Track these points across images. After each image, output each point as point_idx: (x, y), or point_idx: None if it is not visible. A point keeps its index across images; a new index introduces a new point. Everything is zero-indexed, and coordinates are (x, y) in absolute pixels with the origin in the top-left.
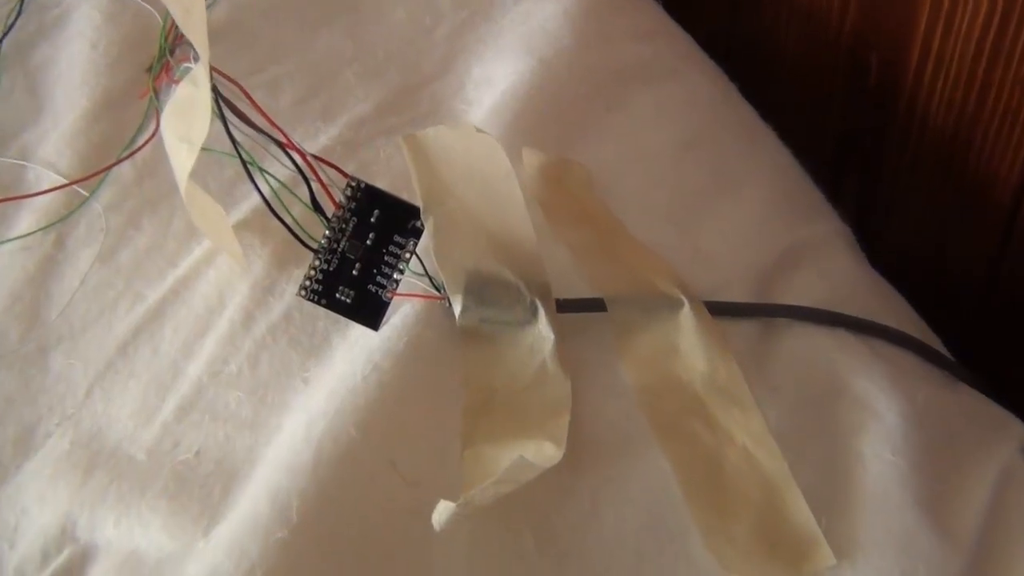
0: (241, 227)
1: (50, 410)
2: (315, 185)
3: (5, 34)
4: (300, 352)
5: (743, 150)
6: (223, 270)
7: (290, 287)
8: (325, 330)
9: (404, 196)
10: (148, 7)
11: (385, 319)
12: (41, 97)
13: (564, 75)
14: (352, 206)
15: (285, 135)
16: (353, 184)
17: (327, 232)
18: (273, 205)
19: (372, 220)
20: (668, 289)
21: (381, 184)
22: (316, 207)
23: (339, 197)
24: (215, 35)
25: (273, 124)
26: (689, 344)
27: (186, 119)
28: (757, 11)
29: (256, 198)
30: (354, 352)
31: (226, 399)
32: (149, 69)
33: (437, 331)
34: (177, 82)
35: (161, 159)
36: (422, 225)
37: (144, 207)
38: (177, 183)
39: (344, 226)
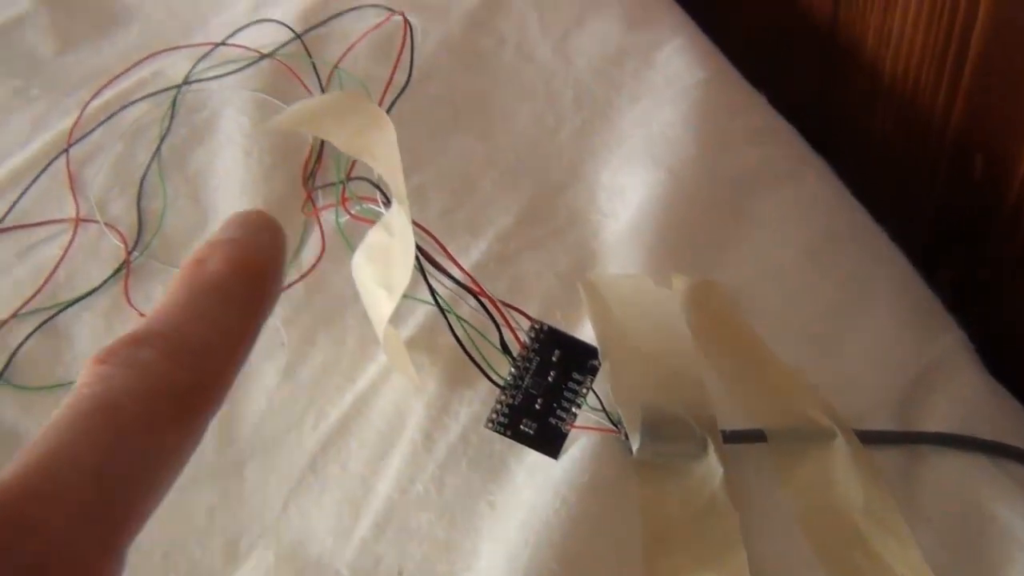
0: (410, 345)
1: (250, 522)
2: (504, 330)
3: (163, 138)
4: (481, 474)
5: (865, 257)
6: (398, 388)
7: (463, 408)
8: (501, 453)
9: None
10: None
11: (563, 450)
12: (204, 205)
13: (692, 186)
14: (536, 347)
15: (478, 285)
16: (537, 327)
17: (512, 370)
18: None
19: (553, 359)
20: (820, 418)
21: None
22: (505, 349)
23: (523, 337)
24: None
25: (467, 274)
26: (844, 475)
27: (383, 266)
28: (847, 85)
29: (421, 315)
30: (537, 480)
31: (418, 519)
32: (305, 181)
33: (614, 464)
34: (354, 215)
35: (328, 276)
36: (599, 364)
37: (318, 323)
38: (373, 321)
39: (528, 364)
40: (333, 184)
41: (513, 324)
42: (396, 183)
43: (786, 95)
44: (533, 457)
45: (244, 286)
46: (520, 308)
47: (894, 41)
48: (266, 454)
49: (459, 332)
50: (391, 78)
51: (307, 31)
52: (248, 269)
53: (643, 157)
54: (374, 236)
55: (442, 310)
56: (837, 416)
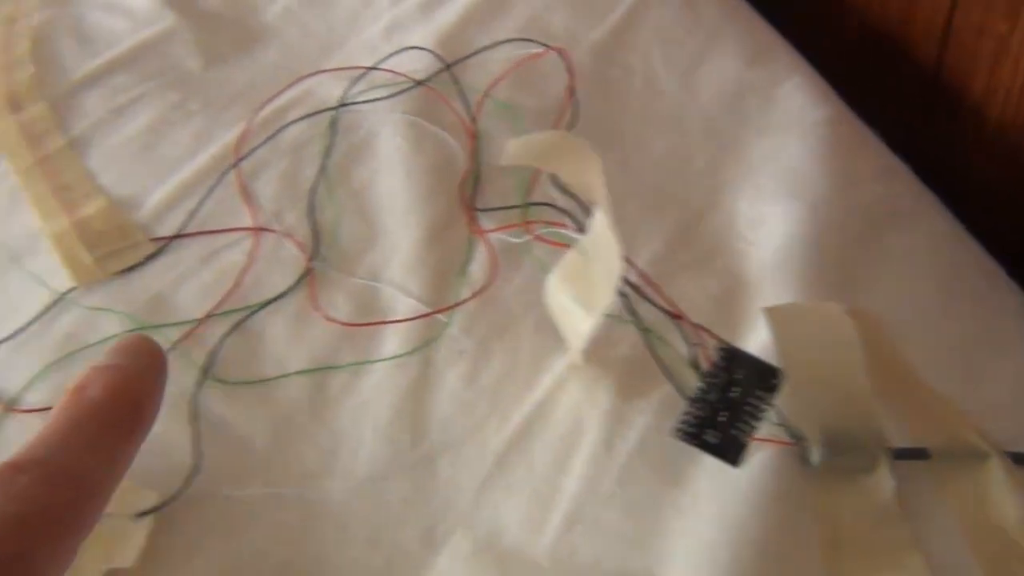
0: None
1: (444, 512)
2: (698, 348)
3: (327, 156)
4: (662, 479)
5: (991, 289)
6: (574, 397)
7: (639, 417)
8: (679, 461)
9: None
10: (444, 134)
11: (743, 459)
12: (372, 220)
13: (830, 219)
14: (723, 364)
15: (675, 306)
16: (724, 348)
17: (701, 384)
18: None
19: (738, 376)
20: (976, 440)
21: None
22: (695, 366)
23: (712, 356)
24: None
25: (667, 300)
26: (1000, 492)
27: (582, 286)
28: (949, 128)
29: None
30: (718, 487)
31: (607, 517)
32: (464, 203)
33: (792, 475)
34: (539, 237)
35: (498, 292)
36: (780, 382)
37: (492, 334)
38: (567, 338)
39: (715, 380)
40: (499, 208)
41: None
42: (605, 209)
43: (887, 135)
44: (711, 466)
45: (121, 412)
46: (707, 328)
47: (1002, 91)
48: (454, 451)
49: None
50: (564, 112)
51: (456, 61)
52: (125, 396)
53: (778, 189)
54: (571, 258)
55: (645, 329)
56: (990, 438)
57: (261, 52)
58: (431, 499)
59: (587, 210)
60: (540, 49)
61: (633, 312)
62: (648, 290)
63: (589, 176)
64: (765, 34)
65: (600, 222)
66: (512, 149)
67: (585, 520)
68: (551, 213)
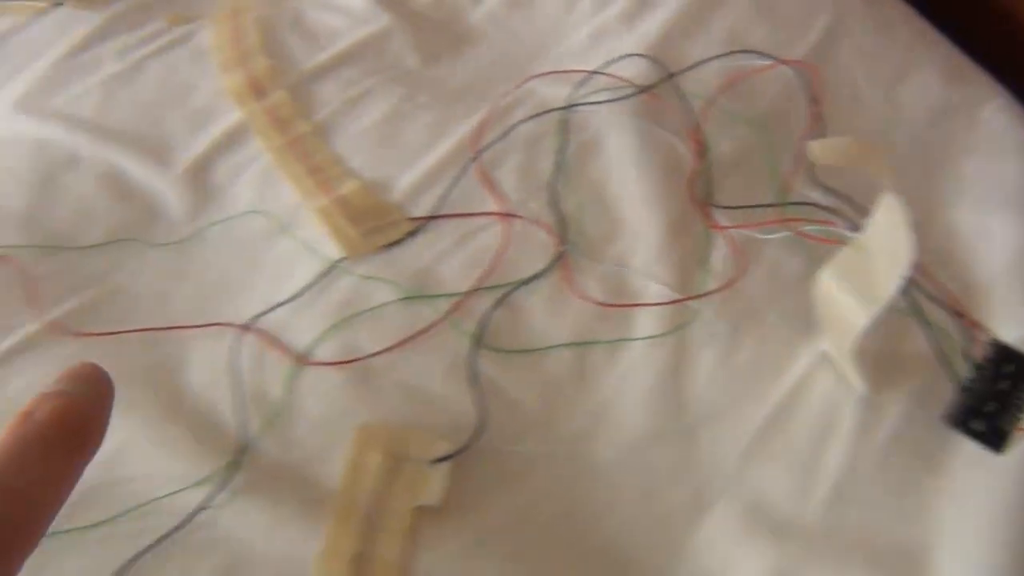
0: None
1: (710, 478)
2: (972, 342)
3: (562, 151)
4: (920, 462)
5: None
6: (826, 384)
7: (893, 406)
8: (933, 446)
9: None
10: (670, 136)
11: (1007, 448)
12: (611, 211)
13: None
14: (993, 358)
15: (959, 303)
16: (994, 343)
17: (971, 376)
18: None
19: (1007, 371)
20: None
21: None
22: (968, 358)
23: (983, 350)
24: None
25: (950, 295)
26: None
27: (862, 280)
28: None
29: None
30: (979, 472)
31: (872, 493)
32: (695, 198)
33: None
34: (803, 234)
35: (740, 284)
36: None
37: (741, 321)
38: (839, 330)
39: (985, 373)
40: (745, 207)
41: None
42: (897, 208)
43: None
44: (970, 455)
45: (66, 436)
46: (982, 324)
47: None
48: (715, 424)
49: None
50: (810, 123)
51: (681, 71)
52: (71, 421)
53: (998, 204)
54: (847, 254)
55: (927, 323)
56: None
57: (471, 53)
58: (696, 466)
59: (859, 209)
60: (768, 61)
61: (915, 305)
62: (927, 284)
63: (880, 176)
64: (957, 56)
65: (890, 219)
66: (816, 150)
67: (850, 496)
68: (810, 211)
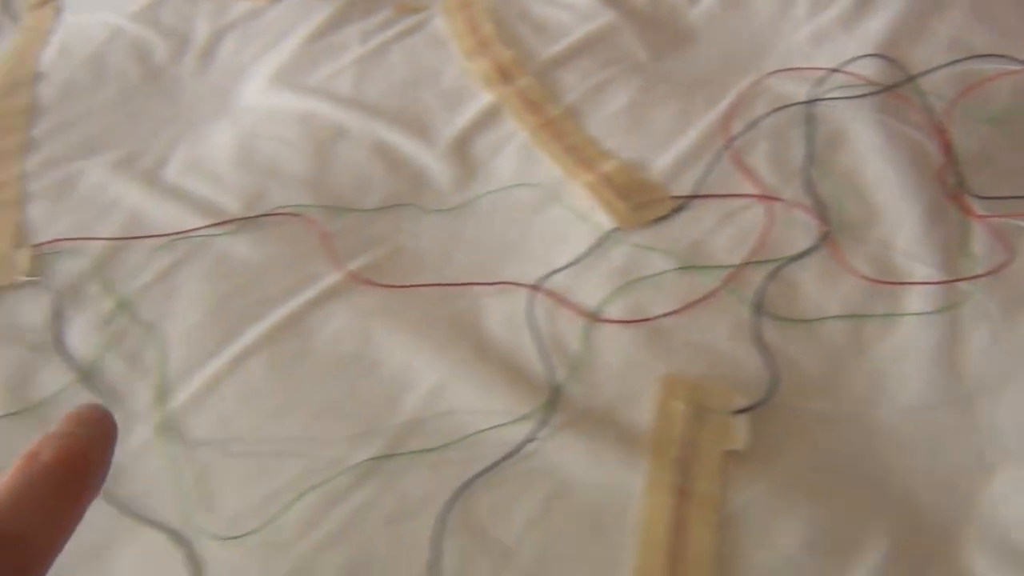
0: None
1: (990, 444)
2: None
3: (810, 143)
4: None
5: None
6: None
7: None
8: None
9: None
10: (916, 132)
11: None
12: (869, 200)
13: None
14: None
15: None
16: None
17: None
18: None
19: None
20: None
21: None
22: None
23: None
24: None
25: None
26: None
27: None
28: None
29: None
30: None
31: None
32: (947, 188)
33: None
34: None
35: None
36: None
37: (1010, 304)
38: None
39: None
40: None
41: None
42: None
43: None
44: None
45: (69, 478)
46: None
47: None
48: (991, 395)
49: None
50: None
51: (922, 73)
52: (75, 463)
53: None
54: None
55: None
56: None
57: (695, 49)
58: (975, 431)
59: None
60: (1015, 66)
61: None
62: None
63: None
64: None
65: None
66: None
67: None
68: None
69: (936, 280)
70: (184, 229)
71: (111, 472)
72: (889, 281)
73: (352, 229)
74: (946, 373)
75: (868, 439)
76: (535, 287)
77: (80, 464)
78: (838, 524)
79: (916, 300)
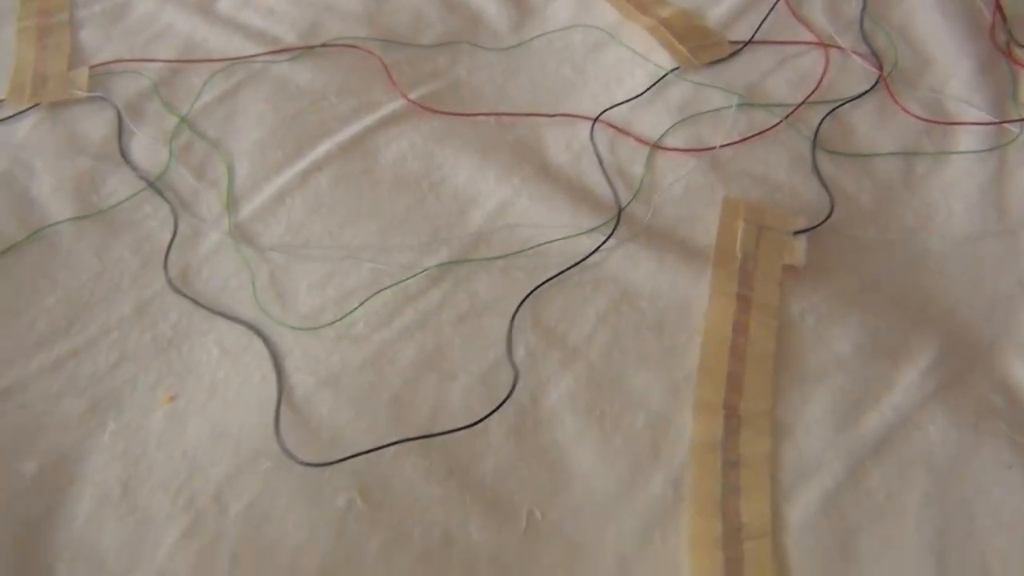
0: None
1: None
2: None
3: (864, 11)
4: None
5: None
6: None
7: None
8: None
9: None
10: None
11: None
12: (921, 51)
13: None
14: None
15: None
16: None
17: None
18: None
19: None
20: None
21: None
22: None
23: None
24: None
25: None
26: None
27: None
28: None
29: None
30: None
31: None
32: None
33: None
34: None
35: None
36: None
37: None
38: None
39: None
40: None
41: None
42: None
43: None
44: None
45: None
46: None
47: None
48: None
49: None
50: None
51: None
52: None
53: None
54: None
55: None
56: None
57: None
58: (1017, 260)
59: None
60: None
61: None
62: None
63: None
64: None
65: None
66: None
67: None
68: None
69: (986, 121)
70: (242, 55)
71: (185, 270)
72: (941, 120)
73: (408, 62)
74: (992, 207)
75: (916, 265)
76: (595, 119)
77: None
78: (888, 333)
79: (966, 139)
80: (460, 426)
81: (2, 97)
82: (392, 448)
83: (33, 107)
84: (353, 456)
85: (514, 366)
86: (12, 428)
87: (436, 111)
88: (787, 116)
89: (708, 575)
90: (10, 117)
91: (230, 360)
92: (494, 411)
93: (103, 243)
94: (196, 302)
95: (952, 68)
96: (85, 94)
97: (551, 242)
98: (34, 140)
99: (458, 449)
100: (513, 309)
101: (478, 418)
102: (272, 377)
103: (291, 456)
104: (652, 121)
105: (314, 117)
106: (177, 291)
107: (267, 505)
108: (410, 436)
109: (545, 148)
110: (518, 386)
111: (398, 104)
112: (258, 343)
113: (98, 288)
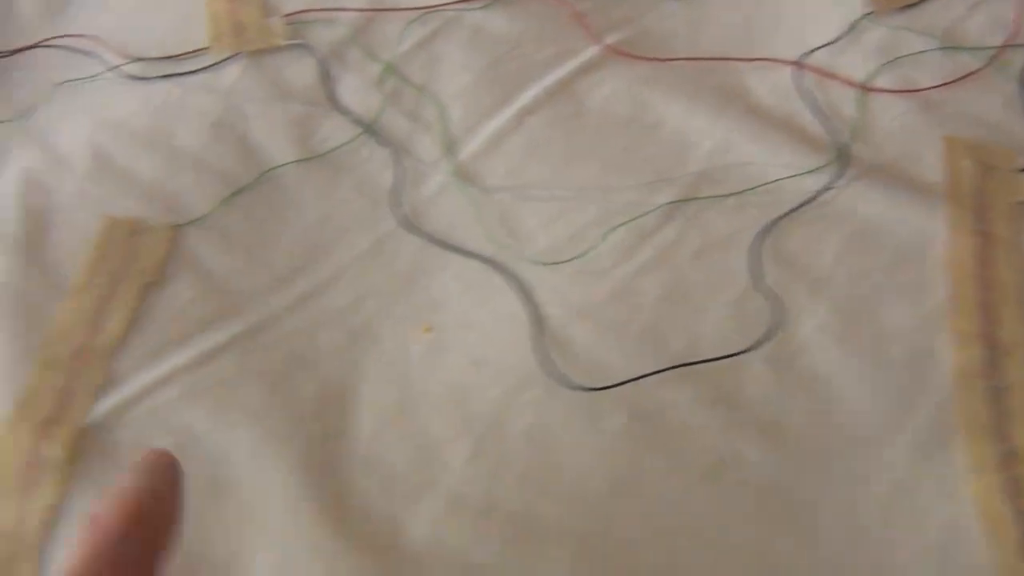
0: None
1: None
2: None
3: None
4: None
5: None
6: None
7: None
8: None
9: None
10: None
11: None
12: None
13: None
14: None
15: None
16: None
17: None
18: None
19: None
20: None
21: None
22: None
23: None
24: None
25: None
26: None
27: None
28: None
29: None
30: None
31: None
32: None
33: None
34: None
35: None
36: None
37: None
38: None
39: None
40: None
41: None
42: None
43: None
44: None
45: (137, 539)
46: None
47: None
48: None
49: None
50: None
51: None
52: (141, 521)
53: None
54: None
55: None
56: None
57: None
58: None
59: None
60: None
61: None
62: None
63: None
64: None
65: None
66: None
67: None
68: None
69: None
70: (435, 4)
71: (415, 210)
72: None
73: (596, 11)
74: None
75: None
76: (797, 63)
77: (147, 522)
78: None
79: None
80: (721, 355)
81: (205, 45)
82: (654, 377)
83: (235, 55)
84: (626, 382)
85: (773, 295)
86: (279, 359)
87: (635, 56)
88: (992, 59)
89: (990, 495)
90: (215, 64)
91: (474, 293)
92: (763, 340)
93: (327, 185)
94: (433, 239)
95: None
96: (285, 42)
97: (779, 180)
98: (242, 87)
99: (720, 379)
100: (748, 244)
101: (735, 349)
102: (521, 310)
103: (567, 382)
104: (854, 65)
105: (513, 64)
106: (411, 229)
107: (544, 428)
108: (671, 365)
109: (749, 91)
110: (773, 316)
111: (595, 51)
112: (497, 279)
113: (328, 228)
